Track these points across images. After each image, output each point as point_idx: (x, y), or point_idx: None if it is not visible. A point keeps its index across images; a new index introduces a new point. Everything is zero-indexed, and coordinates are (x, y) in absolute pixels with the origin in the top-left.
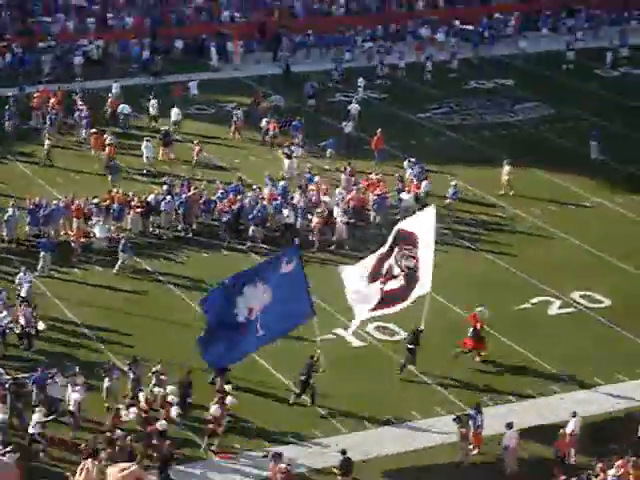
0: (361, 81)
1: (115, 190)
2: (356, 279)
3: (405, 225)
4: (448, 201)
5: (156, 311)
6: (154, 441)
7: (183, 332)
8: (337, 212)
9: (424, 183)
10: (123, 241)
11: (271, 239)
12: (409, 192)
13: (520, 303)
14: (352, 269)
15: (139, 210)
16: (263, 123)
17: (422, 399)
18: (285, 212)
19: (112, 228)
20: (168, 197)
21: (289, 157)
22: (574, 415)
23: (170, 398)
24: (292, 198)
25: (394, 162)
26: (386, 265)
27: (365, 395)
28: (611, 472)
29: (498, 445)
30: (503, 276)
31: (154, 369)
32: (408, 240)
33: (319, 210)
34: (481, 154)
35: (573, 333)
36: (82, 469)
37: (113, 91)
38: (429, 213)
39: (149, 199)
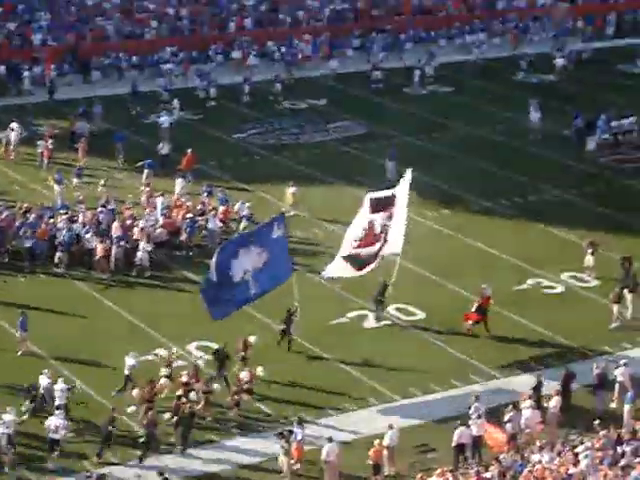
0: (176, 102)
1: None
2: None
3: (380, 193)
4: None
5: None
6: None
7: None
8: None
9: (238, 205)
10: None
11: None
12: (215, 217)
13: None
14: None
15: None
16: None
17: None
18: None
19: None
20: None
21: (59, 183)
22: (391, 427)
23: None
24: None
25: (211, 182)
26: (366, 229)
27: None
28: None
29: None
30: (321, 291)
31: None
32: (387, 203)
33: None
34: (298, 173)
35: (391, 345)
36: None
37: None
38: (406, 177)
39: None
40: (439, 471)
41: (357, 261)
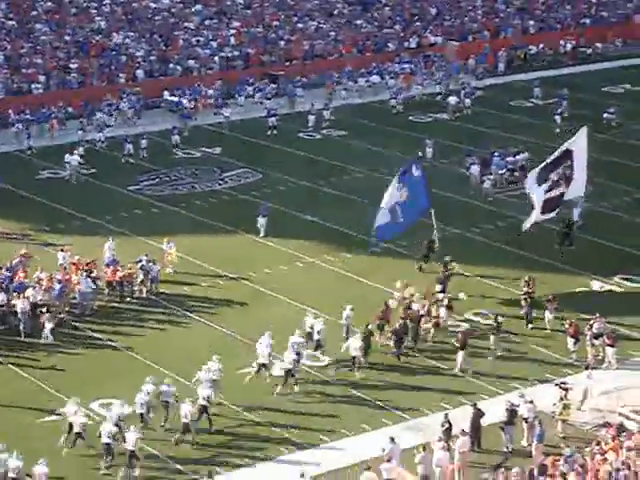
0: (73, 158)
1: None
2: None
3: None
4: (169, 270)
5: None
6: None
7: None
8: None
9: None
10: None
11: None
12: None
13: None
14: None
15: None
16: None
17: None
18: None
19: None
20: None
21: None
22: (302, 476)
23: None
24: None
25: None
26: (552, 175)
27: None
28: None
29: None
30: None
31: None
32: (566, 157)
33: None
34: (195, 223)
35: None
36: None
37: None
38: (582, 132)
39: None
40: None
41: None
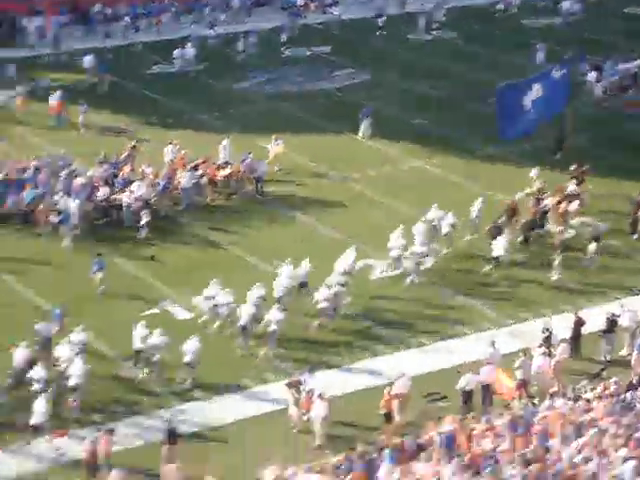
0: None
1: None
2: None
3: None
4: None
5: None
6: None
7: None
8: None
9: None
10: None
11: None
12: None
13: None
14: None
15: None
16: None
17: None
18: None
19: None
20: None
21: None
22: (401, 375)
23: None
24: None
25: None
26: None
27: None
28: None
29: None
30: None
31: None
32: None
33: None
34: (304, 122)
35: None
36: None
37: None
38: None
39: None
40: (449, 418)
41: None
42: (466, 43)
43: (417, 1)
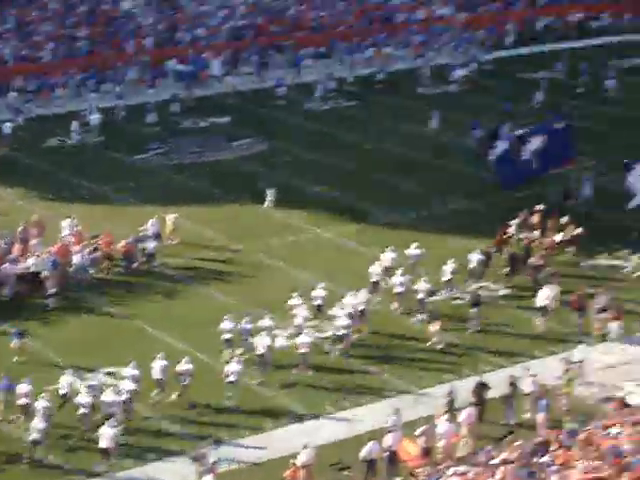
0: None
1: None
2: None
3: None
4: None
5: None
6: None
7: None
8: None
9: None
10: None
11: None
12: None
13: None
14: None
15: None
16: None
17: None
18: None
19: None
20: None
21: None
22: (306, 446)
23: None
24: None
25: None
26: None
27: None
28: None
29: None
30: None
31: None
32: None
33: None
34: (202, 192)
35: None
36: None
37: None
38: None
39: None
40: None
41: None
42: (363, 111)
43: (314, 71)
